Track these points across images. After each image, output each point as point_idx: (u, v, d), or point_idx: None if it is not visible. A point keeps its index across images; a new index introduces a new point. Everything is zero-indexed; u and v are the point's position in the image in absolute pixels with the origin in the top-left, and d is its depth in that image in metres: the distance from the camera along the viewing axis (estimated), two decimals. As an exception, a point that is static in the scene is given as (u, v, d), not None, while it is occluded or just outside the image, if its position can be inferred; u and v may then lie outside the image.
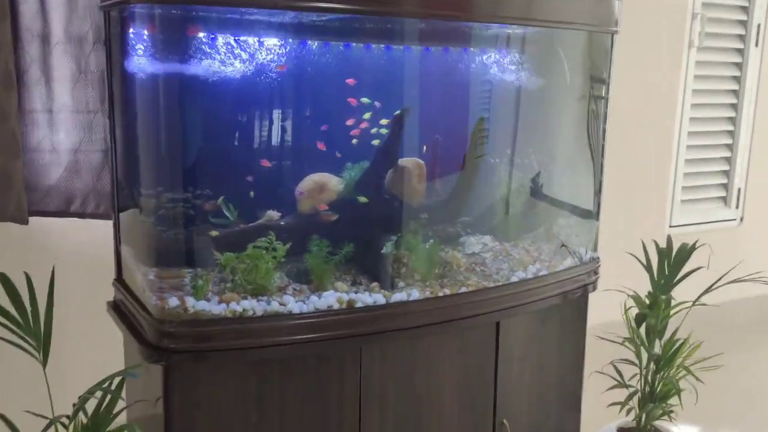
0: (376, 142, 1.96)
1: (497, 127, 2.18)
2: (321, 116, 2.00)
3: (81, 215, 2.27)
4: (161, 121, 1.64)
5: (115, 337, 2.04)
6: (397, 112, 1.94)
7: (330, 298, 1.83)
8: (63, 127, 2.05)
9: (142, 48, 1.63)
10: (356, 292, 1.88)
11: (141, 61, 1.73)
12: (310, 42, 1.96)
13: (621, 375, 2.53)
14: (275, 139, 2.02)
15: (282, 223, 1.94)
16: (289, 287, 1.87)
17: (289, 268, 1.92)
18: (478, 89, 2.18)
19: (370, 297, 1.87)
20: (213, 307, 1.72)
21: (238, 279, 1.81)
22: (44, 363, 1.66)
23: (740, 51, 4.07)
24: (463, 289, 1.99)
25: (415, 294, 1.92)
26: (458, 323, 1.97)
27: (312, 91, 1.98)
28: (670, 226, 3.99)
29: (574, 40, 2.28)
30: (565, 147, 2.35)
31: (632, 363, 2.52)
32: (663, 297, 2.42)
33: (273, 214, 1.97)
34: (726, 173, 4.23)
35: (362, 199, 1.96)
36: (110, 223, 1.95)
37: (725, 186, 4.25)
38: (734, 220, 4.28)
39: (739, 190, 4.23)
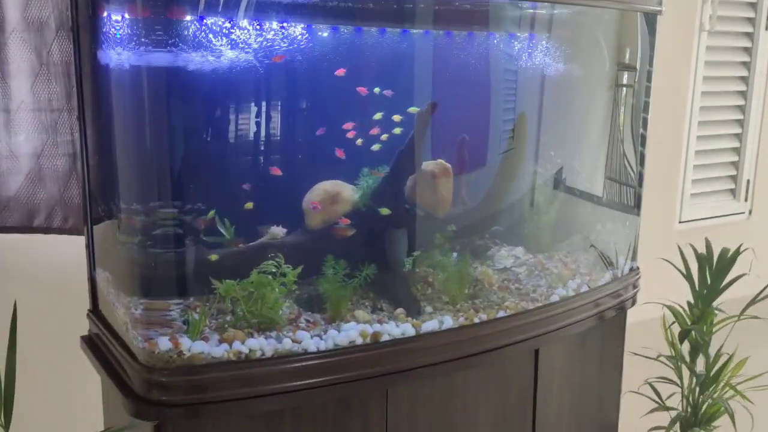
0: (374, 148, 1.65)
1: (529, 122, 1.90)
2: (334, 115, 1.70)
3: (46, 230, 1.94)
4: (144, 120, 1.34)
5: (92, 378, 1.72)
6: (413, 108, 1.65)
7: (352, 332, 1.54)
8: (23, 129, 1.72)
9: (121, 35, 1.31)
10: (380, 322, 1.59)
11: (119, 51, 1.40)
12: (318, 28, 1.65)
13: (659, 395, 2.28)
14: (279, 142, 1.71)
15: (288, 241, 1.64)
16: (300, 318, 1.57)
17: (299, 294, 1.62)
18: (510, 80, 1.89)
19: (397, 328, 1.59)
20: (213, 348, 1.42)
21: (241, 311, 1.51)
22: (6, 427, 1.34)
23: (750, 35, 3.85)
24: (501, 313, 1.71)
25: (448, 321, 1.64)
26: (498, 353, 1.70)
27: (323, 86, 1.68)
28: (680, 222, 3.77)
29: (611, 22, 2.00)
30: (600, 140, 2.08)
31: (671, 382, 2.27)
32: (706, 309, 2.17)
33: (278, 231, 1.67)
34: (735, 164, 4.02)
35: (384, 211, 1.67)
36: (81, 239, 1.62)
37: (734, 178, 4.04)
38: (743, 213, 4.07)
39: (748, 181, 4.02)
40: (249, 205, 1.59)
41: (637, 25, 2.04)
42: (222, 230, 1.66)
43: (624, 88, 2.11)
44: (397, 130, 1.72)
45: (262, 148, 1.72)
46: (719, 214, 3.97)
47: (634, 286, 2.08)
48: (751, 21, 3.80)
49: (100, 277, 1.70)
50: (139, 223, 1.44)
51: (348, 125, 1.66)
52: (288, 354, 1.46)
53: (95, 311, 1.72)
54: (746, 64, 3.89)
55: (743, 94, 3.92)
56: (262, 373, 1.43)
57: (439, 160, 1.77)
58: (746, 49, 3.87)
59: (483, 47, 1.86)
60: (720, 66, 3.77)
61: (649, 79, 2.06)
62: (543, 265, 1.93)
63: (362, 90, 1.69)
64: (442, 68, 1.81)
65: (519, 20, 1.89)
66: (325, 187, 1.71)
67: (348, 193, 1.71)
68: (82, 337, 1.75)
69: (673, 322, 2.18)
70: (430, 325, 1.63)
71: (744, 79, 3.90)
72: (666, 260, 2.30)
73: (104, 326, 1.62)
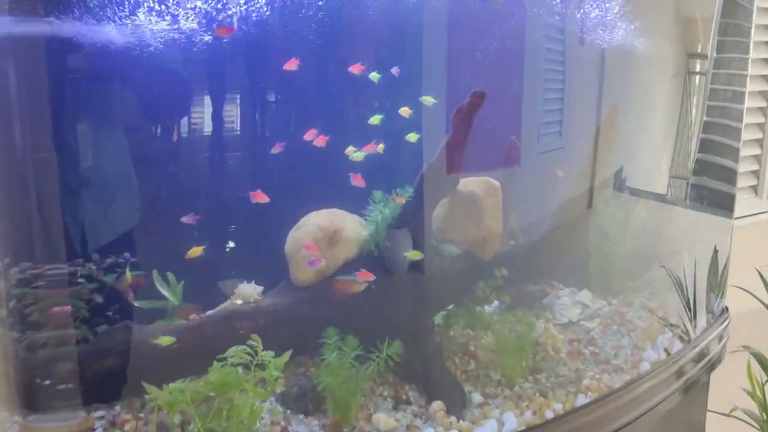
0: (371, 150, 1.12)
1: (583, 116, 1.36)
2: (329, 112, 1.14)
3: None
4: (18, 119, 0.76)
5: None
6: (427, 98, 1.12)
7: (373, 455, 0.98)
8: None
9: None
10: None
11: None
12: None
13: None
14: (242, 153, 1.15)
15: (266, 306, 1.07)
16: (289, 429, 1.01)
17: (285, 390, 1.06)
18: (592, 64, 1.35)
19: (439, 438, 1.03)
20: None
21: (195, 430, 0.94)
22: None
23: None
24: (582, 399, 1.16)
25: (511, 421, 1.09)
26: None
27: (311, 70, 1.12)
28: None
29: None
30: (671, 135, 1.56)
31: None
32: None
33: (249, 291, 1.10)
34: (757, 158, 3.55)
35: (413, 255, 1.11)
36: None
37: (756, 173, 3.57)
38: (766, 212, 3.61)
39: (773, 178, 3.56)
40: (195, 251, 1.02)
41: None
42: (164, 291, 1.09)
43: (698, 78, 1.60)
44: (413, 138, 1.15)
45: (219, 163, 1.15)
46: (743, 214, 3.51)
47: (722, 337, 1.55)
48: None
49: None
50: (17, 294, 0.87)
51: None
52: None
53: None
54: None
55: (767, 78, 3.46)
56: None
57: (484, 177, 1.21)
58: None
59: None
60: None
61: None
62: (622, 316, 1.39)
63: (356, 68, 1.13)
64: (481, 45, 1.25)
65: None
66: (318, 220, 1.14)
67: (352, 228, 1.14)
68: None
69: (766, 382, 1.67)
70: (486, 430, 1.07)
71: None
72: (746, 291, 1.78)
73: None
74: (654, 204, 1.56)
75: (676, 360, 1.37)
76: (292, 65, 1.12)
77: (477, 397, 1.16)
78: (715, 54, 1.69)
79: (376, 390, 1.14)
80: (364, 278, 1.07)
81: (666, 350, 1.37)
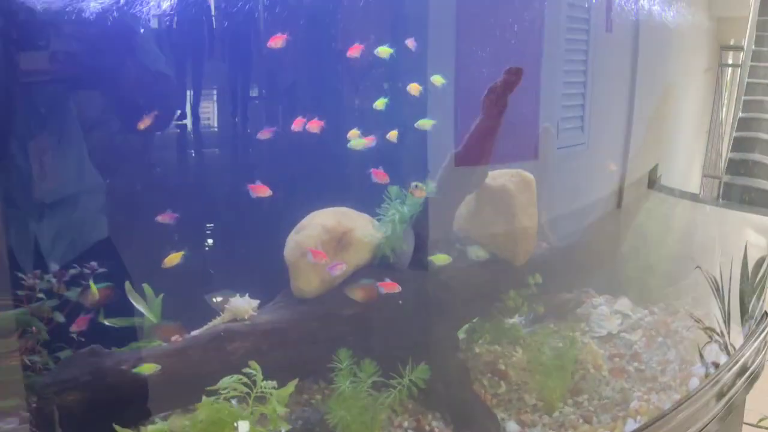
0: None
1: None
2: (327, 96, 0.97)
3: None
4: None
5: None
6: (437, 78, 0.96)
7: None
8: None
9: None
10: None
11: None
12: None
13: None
14: (226, 142, 0.97)
15: (263, 323, 0.89)
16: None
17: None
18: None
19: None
20: None
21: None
22: None
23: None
24: (631, 424, 1.00)
25: (556, 454, 0.92)
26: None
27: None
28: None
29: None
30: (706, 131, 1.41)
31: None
32: None
33: (243, 306, 0.91)
34: None
35: (441, 259, 0.94)
36: None
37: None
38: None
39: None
40: (174, 258, 0.84)
41: None
42: (139, 306, 0.90)
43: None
44: (426, 123, 0.98)
45: (198, 145, 0.97)
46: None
47: (764, 344, 1.40)
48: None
49: None
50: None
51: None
52: None
53: None
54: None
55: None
56: None
57: (517, 170, 1.04)
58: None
59: None
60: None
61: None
62: (667, 326, 1.23)
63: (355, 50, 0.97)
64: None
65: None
66: (323, 221, 0.96)
67: (364, 230, 0.97)
68: None
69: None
70: (528, 467, 0.90)
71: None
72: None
73: None
74: (689, 204, 1.41)
75: (722, 372, 1.22)
76: (277, 41, 0.95)
77: (512, 426, 0.99)
78: (753, 46, 1.56)
79: (394, 420, 0.96)
80: (388, 290, 0.89)
81: (714, 363, 1.21)
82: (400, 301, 0.91)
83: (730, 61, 1.58)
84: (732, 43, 1.60)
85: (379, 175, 0.91)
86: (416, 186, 0.96)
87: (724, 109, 1.59)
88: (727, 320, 1.38)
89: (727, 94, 1.57)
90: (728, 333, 1.37)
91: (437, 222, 1.01)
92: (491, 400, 1.03)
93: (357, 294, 0.91)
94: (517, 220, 1.03)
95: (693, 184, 1.51)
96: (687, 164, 1.51)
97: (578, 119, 1.25)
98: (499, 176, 1.04)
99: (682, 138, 1.48)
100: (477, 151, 0.96)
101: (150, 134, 0.94)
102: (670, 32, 1.32)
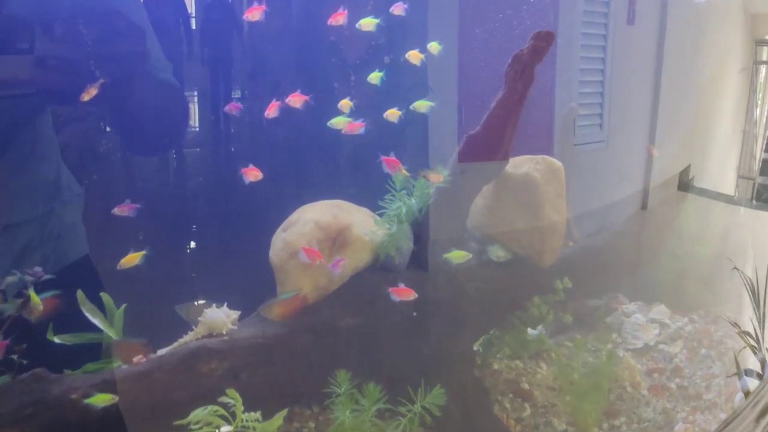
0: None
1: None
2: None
3: None
4: None
5: None
6: (434, 44, 0.81)
7: None
8: None
9: None
10: None
11: None
12: None
13: None
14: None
15: (244, 338, 0.73)
16: None
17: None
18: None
19: None
20: None
21: None
22: None
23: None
24: (679, 454, 0.85)
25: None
26: None
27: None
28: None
29: None
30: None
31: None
32: None
33: (218, 317, 0.75)
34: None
35: (458, 257, 0.78)
36: None
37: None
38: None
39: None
40: (132, 259, 0.68)
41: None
42: (94, 320, 0.75)
43: None
44: (422, 105, 0.84)
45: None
46: None
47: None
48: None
49: None
50: None
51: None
52: None
53: None
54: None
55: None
56: None
57: (543, 156, 0.89)
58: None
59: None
60: None
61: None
62: (710, 335, 1.07)
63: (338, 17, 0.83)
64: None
65: None
66: (315, 216, 0.80)
67: (363, 226, 0.81)
68: None
69: None
70: None
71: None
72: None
73: None
74: (724, 205, 1.27)
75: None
76: (255, 13, 0.80)
77: (541, 460, 0.83)
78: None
79: (401, 453, 0.81)
80: (402, 297, 0.74)
81: (759, 374, 1.06)
82: (415, 313, 0.75)
83: (765, 58, 1.46)
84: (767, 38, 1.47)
85: (390, 164, 0.76)
86: (428, 170, 0.81)
87: (758, 109, 1.46)
88: (762, 324, 1.23)
89: (761, 94, 1.45)
90: (762, 337, 1.23)
91: (449, 217, 0.86)
92: (515, 427, 0.88)
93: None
94: (543, 214, 0.87)
95: (728, 185, 1.37)
96: (721, 165, 1.37)
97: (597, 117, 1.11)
98: (521, 163, 0.89)
99: (717, 137, 1.35)
100: (498, 133, 0.81)
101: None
102: (701, 23, 1.19)
